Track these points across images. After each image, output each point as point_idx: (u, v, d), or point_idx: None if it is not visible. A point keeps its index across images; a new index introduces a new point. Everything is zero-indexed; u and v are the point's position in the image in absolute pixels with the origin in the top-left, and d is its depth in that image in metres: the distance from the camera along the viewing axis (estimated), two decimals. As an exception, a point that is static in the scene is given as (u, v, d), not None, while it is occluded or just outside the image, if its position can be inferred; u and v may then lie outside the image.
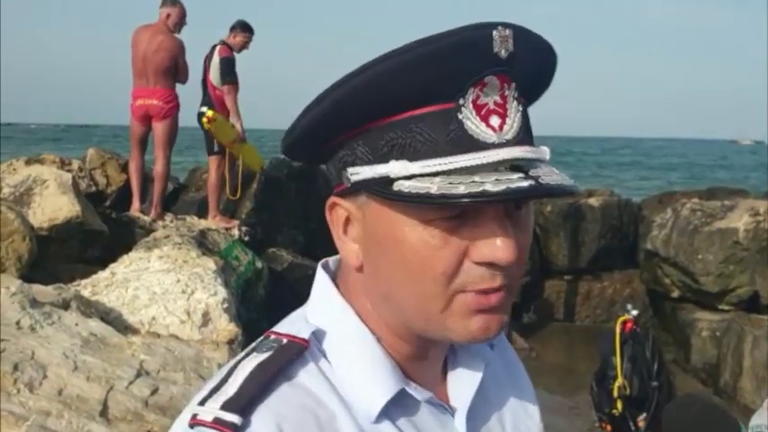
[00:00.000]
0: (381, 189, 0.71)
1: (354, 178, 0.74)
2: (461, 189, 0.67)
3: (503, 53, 0.69)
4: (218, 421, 0.68)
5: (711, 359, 6.41)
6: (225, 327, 4.02)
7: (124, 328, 3.76)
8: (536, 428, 0.93)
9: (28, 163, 6.54)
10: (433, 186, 0.68)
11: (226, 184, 6.85)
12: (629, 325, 5.45)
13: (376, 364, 0.77)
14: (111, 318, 3.81)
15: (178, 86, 6.67)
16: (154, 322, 3.89)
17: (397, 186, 0.70)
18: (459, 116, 0.70)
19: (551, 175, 0.70)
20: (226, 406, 0.69)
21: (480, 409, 0.86)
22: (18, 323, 3.12)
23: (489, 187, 0.67)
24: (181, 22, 6.57)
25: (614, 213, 8.38)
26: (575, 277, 8.22)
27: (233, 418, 0.68)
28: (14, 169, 6.17)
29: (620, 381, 5.28)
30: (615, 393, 5.27)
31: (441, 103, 0.70)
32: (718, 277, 6.78)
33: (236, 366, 0.74)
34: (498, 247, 0.70)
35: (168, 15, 6.50)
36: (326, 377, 0.76)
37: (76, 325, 3.28)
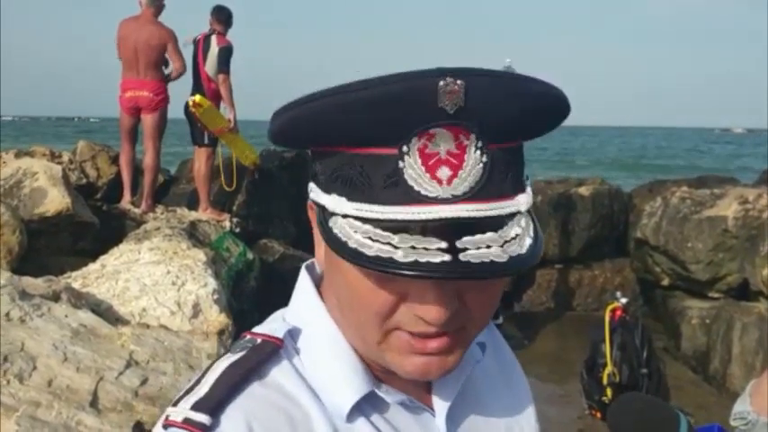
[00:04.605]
0: (321, 219, 0.71)
1: (310, 195, 0.74)
2: (372, 250, 0.64)
3: (449, 108, 0.62)
4: (187, 421, 0.69)
5: (701, 346, 6.45)
6: (215, 318, 4.03)
7: (115, 319, 3.76)
8: (531, 429, 0.92)
9: (18, 155, 6.51)
10: (354, 237, 0.66)
11: (219, 176, 6.84)
12: (619, 312, 5.47)
13: (346, 366, 0.77)
14: (101, 309, 3.82)
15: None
16: (144, 314, 3.90)
17: (331, 223, 0.68)
18: (401, 164, 0.64)
19: (491, 247, 0.64)
20: (196, 406, 0.70)
21: (468, 410, 0.85)
22: (8, 315, 3.12)
23: (399, 256, 0.63)
24: (160, 5, 6.55)
25: (605, 202, 8.40)
26: (565, 266, 8.24)
27: (202, 418, 0.69)
28: (4, 162, 6.13)
29: (609, 368, 5.30)
30: (605, 381, 5.29)
31: (383, 146, 0.65)
32: (708, 265, 6.81)
33: (210, 367, 0.75)
34: (428, 309, 0.68)
35: (149, 4, 6.47)
36: (301, 375, 0.76)
37: (66, 316, 3.28)
